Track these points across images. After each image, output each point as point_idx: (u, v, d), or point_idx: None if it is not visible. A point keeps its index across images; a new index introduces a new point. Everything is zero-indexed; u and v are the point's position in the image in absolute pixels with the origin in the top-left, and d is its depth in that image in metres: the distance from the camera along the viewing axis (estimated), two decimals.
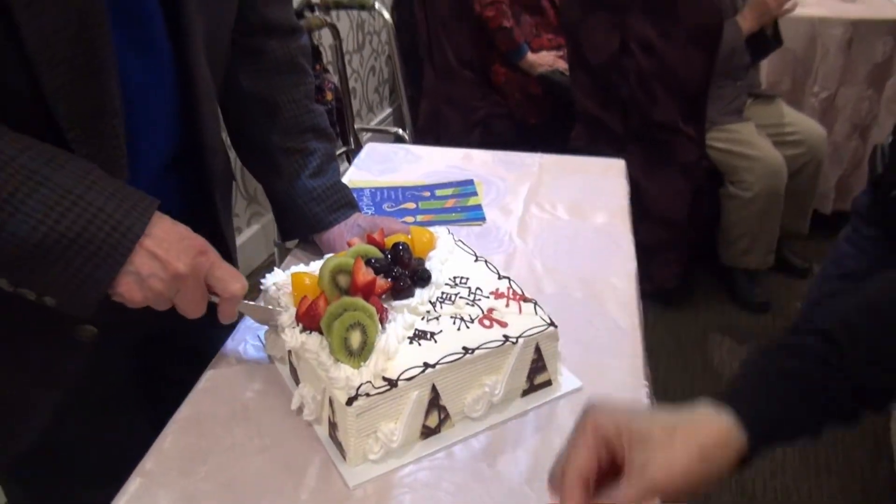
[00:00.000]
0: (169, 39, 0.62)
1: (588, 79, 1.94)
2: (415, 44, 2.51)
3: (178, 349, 0.76)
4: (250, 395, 0.65)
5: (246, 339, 0.72)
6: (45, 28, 0.50)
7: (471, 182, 1.02)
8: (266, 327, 0.69)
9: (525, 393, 0.65)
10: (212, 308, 0.61)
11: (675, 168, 1.92)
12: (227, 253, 0.74)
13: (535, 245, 0.89)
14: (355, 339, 0.57)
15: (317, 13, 1.96)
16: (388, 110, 3.10)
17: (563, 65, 2.27)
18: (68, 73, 0.53)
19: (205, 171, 0.71)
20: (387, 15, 2.05)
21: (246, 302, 0.63)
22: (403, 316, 0.61)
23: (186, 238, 0.57)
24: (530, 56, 2.31)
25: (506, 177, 1.05)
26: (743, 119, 1.98)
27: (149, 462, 0.58)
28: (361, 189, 1.01)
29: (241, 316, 0.66)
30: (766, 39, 1.88)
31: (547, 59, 2.32)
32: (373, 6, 1.95)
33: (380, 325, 0.59)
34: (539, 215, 0.95)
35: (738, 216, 1.98)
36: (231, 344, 0.71)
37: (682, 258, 2.07)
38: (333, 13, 2.23)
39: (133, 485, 0.56)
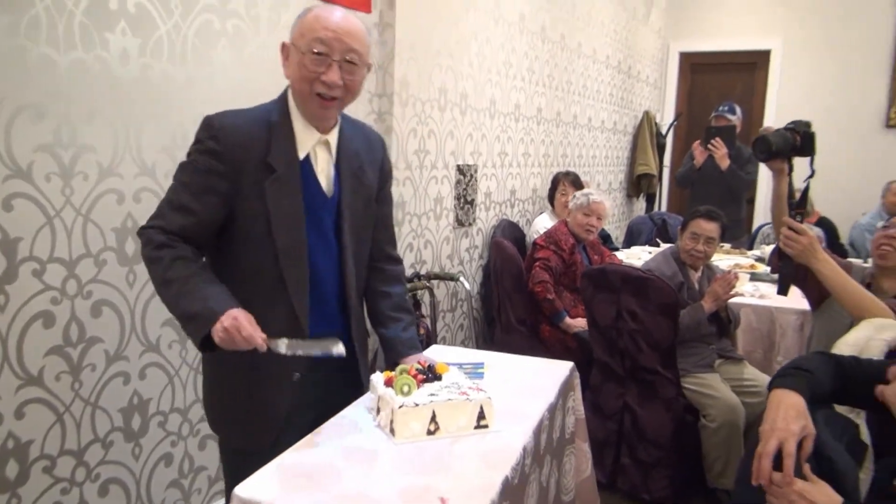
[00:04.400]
0: (336, 245, 1.57)
1: (599, 335, 2.81)
2: (490, 310, 3.51)
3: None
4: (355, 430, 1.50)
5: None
6: (279, 208, 1.46)
7: (482, 364, 1.88)
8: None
9: (476, 427, 1.45)
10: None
11: (660, 402, 2.67)
12: (356, 367, 1.63)
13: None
14: (404, 388, 1.42)
15: (421, 280, 3.02)
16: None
17: None
18: (288, 255, 1.48)
19: (349, 325, 1.63)
20: (467, 285, 3.08)
21: (308, 342, 1.45)
22: (427, 387, 1.47)
23: (235, 317, 1.35)
24: (568, 320, 3.22)
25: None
26: (712, 371, 2.74)
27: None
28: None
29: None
30: (721, 318, 2.73)
31: (580, 323, 3.22)
32: (458, 278, 2.99)
33: (416, 386, 1.44)
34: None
35: (709, 443, 2.63)
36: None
37: (673, 475, 2.70)
38: (434, 281, 3.29)
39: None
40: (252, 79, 2.26)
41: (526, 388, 1.71)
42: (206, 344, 1.37)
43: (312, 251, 1.52)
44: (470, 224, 3.72)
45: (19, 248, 1.70)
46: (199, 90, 2.12)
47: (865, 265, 2.56)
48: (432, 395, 1.44)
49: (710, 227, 2.77)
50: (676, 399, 2.64)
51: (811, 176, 2.06)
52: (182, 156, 1.51)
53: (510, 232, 3.98)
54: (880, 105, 6.30)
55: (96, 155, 1.86)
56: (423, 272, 3.13)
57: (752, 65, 6.81)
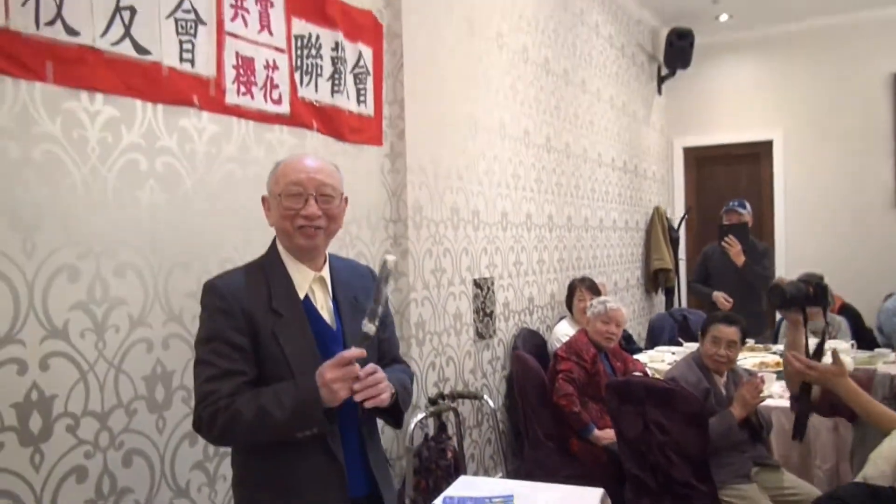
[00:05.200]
0: None
1: (628, 449, 2.77)
2: (517, 423, 3.48)
3: None
4: None
5: None
6: (294, 349, 1.51)
7: (511, 497, 1.86)
8: None
9: None
10: None
11: None
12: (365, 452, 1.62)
13: None
14: None
15: (445, 401, 3.01)
16: (500, 473, 3.94)
17: None
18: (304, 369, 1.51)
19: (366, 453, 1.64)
20: (492, 403, 3.07)
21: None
22: None
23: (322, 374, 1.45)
24: (597, 432, 3.18)
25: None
26: (750, 482, 2.67)
27: None
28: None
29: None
30: (752, 424, 2.68)
31: (610, 435, 3.17)
32: (482, 397, 2.99)
33: None
34: None
35: None
36: None
37: None
38: (458, 401, 3.28)
39: None
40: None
41: None
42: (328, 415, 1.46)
43: None
44: (490, 336, 3.74)
45: (54, 406, 1.75)
46: (227, 236, 2.22)
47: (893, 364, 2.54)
48: None
49: (731, 332, 2.77)
50: None
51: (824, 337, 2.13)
52: None
53: (531, 340, 3.99)
54: (887, 186, 6.37)
55: (127, 307, 1.93)
56: (446, 391, 3.13)
57: (756, 155, 6.96)
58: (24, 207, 1.69)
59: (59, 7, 1.76)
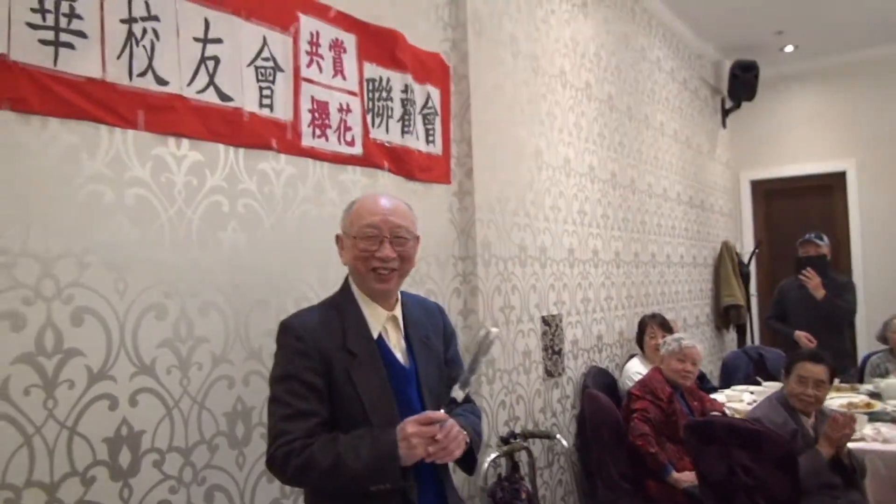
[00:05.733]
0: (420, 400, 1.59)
1: (711, 493, 2.65)
2: (589, 463, 3.38)
3: None
4: None
5: None
6: (368, 389, 1.50)
7: None
8: None
9: None
10: None
11: None
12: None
13: None
14: None
15: (518, 440, 2.96)
16: None
17: None
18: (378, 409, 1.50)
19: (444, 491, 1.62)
20: (565, 442, 3.00)
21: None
22: None
23: (403, 428, 1.43)
24: (675, 474, 3.06)
25: None
26: None
27: None
28: None
29: None
30: (843, 465, 2.53)
31: (690, 477, 3.04)
32: (554, 436, 2.92)
33: None
34: None
35: None
36: None
37: None
38: (530, 440, 3.21)
39: None
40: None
41: None
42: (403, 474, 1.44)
43: None
44: (560, 374, 3.67)
45: (143, 441, 1.79)
46: (303, 275, 2.26)
47: None
48: None
49: (818, 370, 2.65)
50: None
51: None
52: None
53: (601, 379, 3.89)
54: None
55: (209, 345, 1.98)
56: (517, 430, 3.08)
57: (829, 187, 6.73)
58: (117, 249, 1.77)
59: (150, 59, 1.85)
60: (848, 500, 2.60)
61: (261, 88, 2.18)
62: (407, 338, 1.66)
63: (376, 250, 1.58)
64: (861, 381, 4.26)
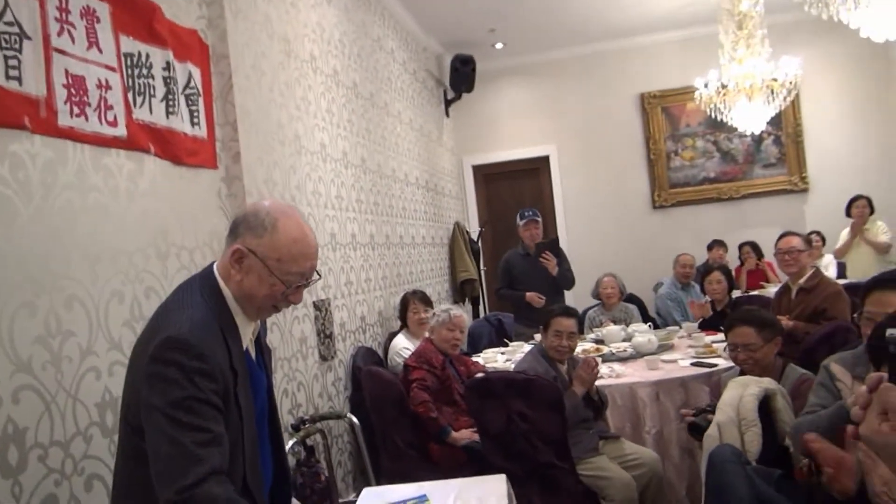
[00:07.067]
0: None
1: (493, 443, 2.92)
2: (373, 437, 3.48)
3: None
4: None
5: None
6: (247, 408, 1.45)
7: (424, 496, 1.90)
8: None
9: None
10: None
11: (563, 493, 2.80)
12: None
13: None
14: None
15: (307, 425, 2.94)
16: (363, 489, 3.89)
17: (476, 437, 3.26)
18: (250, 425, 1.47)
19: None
20: (356, 421, 3.06)
21: None
22: None
23: None
24: (453, 434, 3.30)
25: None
26: (598, 454, 2.95)
27: None
28: None
29: None
30: (592, 399, 2.98)
31: (465, 434, 3.31)
32: (345, 416, 2.96)
33: None
34: None
35: None
36: None
37: None
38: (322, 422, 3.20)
39: None
40: None
41: None
42: None
43: (263, 442, 1.59)
44: (332, 357, 3.71)
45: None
46: (72, 269, 2.00)
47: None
48: None
49: (570, 323, 3.06)
50: (576, 486, 2.80)
51: None
52: None
53: (369, 358, 4.01)
54: (645, 192, 7.39)
55: None
56: (305, 416, 3.05)
57: (537, 169, 7.68)
58: None
59: None
60: (598, 430, 3.06)
61: (6, 58, 1.86)
62: (257, 341, 1.63)
63: (291, 294, 1.49)
64: (581, 332, 4.98)
